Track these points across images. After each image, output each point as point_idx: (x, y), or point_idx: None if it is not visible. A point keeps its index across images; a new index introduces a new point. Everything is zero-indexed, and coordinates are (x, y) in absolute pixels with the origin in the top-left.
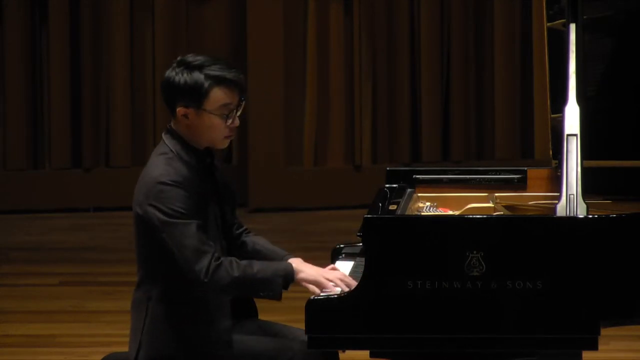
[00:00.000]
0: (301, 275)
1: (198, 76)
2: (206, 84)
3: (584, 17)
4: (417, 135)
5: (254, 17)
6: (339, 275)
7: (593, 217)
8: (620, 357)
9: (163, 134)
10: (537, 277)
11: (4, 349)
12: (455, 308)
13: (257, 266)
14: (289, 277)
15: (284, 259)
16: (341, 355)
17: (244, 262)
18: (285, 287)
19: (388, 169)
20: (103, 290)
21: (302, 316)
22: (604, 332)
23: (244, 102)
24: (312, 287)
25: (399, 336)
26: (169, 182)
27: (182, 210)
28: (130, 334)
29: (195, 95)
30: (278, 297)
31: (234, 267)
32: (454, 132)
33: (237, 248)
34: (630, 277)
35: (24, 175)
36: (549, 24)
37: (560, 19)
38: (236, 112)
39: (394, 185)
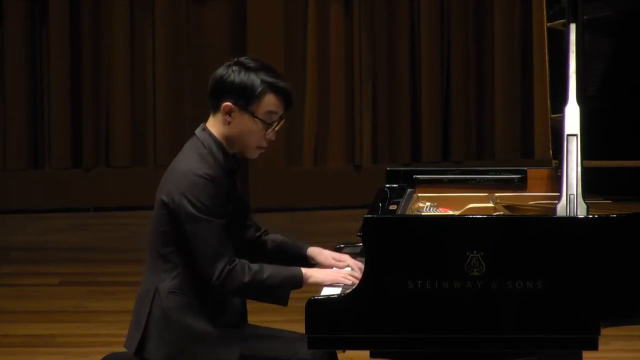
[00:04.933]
0: (311, 280)
1: (254, 78)
2: (260, 88)
3: (584, 17)
4: (417, 135)
5: (254, 17)
6: (349, 272)
7: (593, 217)
8: (620, 357)
9: (197, 131)
10: (537, 277)
11: (4, 349)
12: (455, 308)
13: (268, 272)
14: (298, 284)
15: (303, 249)
16: (341, 355)
17: (255, 267)
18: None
19: (388, 169)
20: (103, 290)
21: (302, 316)
22: (604, 332)
23: (283, 121)
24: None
25: (399, 336)
26: (204, 175)
27: (210, 206)
28: (130, 326)
29: (246, 95)
30: (284, 304)
31: (246, 272)
32: (454, 132)
33: (259, 247)
34: (630, 277)
35: (24, 175)
36: (549, 24)
37: (560, 19)
38: (276, 125)
39: (394, 185)
